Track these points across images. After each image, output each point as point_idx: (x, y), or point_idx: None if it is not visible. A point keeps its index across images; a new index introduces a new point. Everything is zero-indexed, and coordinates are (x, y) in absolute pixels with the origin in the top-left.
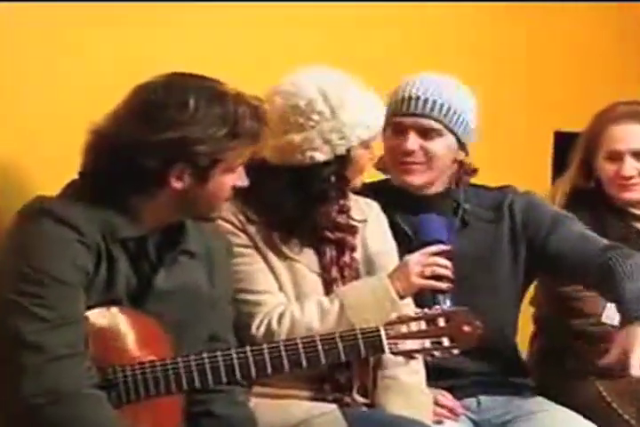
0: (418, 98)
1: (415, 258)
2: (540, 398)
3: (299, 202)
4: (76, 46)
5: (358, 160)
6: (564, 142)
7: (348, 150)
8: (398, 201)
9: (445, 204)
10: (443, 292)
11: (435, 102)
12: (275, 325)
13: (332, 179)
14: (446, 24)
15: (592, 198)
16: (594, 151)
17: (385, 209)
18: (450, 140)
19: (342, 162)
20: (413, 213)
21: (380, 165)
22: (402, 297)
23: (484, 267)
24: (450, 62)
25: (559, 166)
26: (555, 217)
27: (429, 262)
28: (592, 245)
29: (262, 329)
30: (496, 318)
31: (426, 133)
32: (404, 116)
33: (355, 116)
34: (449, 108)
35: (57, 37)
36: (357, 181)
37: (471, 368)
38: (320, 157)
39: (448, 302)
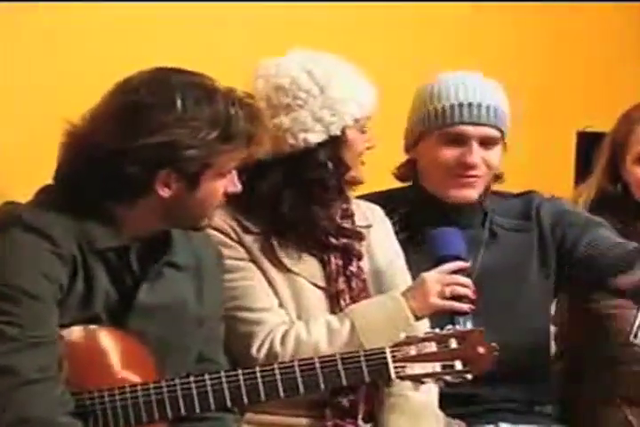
0: (480, 105)
1: (433, 276)
2: None
3: (297, 196)
4: (65, 44)
5: (353, 143)
6: (587, 143)
7: (343, 131)
8: (427, 212)
9: (476, 214)
10: (463, 313)
11: (493, 108)
12: (278, 346)
13: (330, 164)
14: (463, 23)
15: (619, 203)
16: (621, 153)
17: (411, 221)
18: (501, 146)
19: (337, 143)
20: (443, 225)
21: (404, 176)
22: (418, 319)
23: (514, 283)
24: (467, 62)
25: (583, 169)
26: (587, 221)
27: (449, 281)
28: (627, 246)
29: (264, 351)
30: (528, 339)
31: (487, 143)
32: (467, 125)
33: (345, 92)
34: (503, 113)
35: (43, 36)
36: (359, 173)
37: (492, 394)
38: (313, 137)
39: (469, 325)
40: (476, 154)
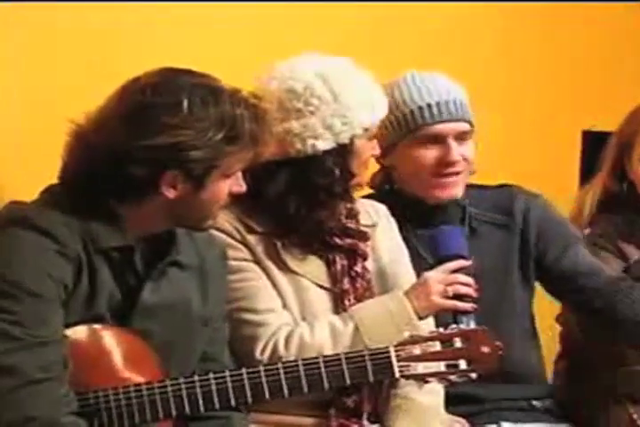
0: (447, 102)
1: (436, 276)
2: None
3: (302, 200)
4: (65, 44)
5: (362, 153)
6: (593, 143)
7: (351, 140)
8: (406, 213)
9: (455, 211)
10: (466, 312)
11: (459, 103)
12: (281, 348)
13: (336, 172)
14: (464, 24)
15: (624, 203)
16: (627, 153)
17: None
18: (472, 139)
19: (345, 152)
20: (424, 225)
21: (380, 184)
22: (421, 318)
23: (496, 279)
24: (469, 63)
25: (588, 168)
26: (569, 235)
27: (451, 280)
28: (601, 273)
29: (267, 353)
30: (515, 336)
31: (461, 138)
32: (442, 123)
33: (357, 101)
34: (467, 106)
35: (45, 36)
36: (363, 178)
37: (491, 393)
38: (321, 145)
39: (472, 324)
40: (456, 151)
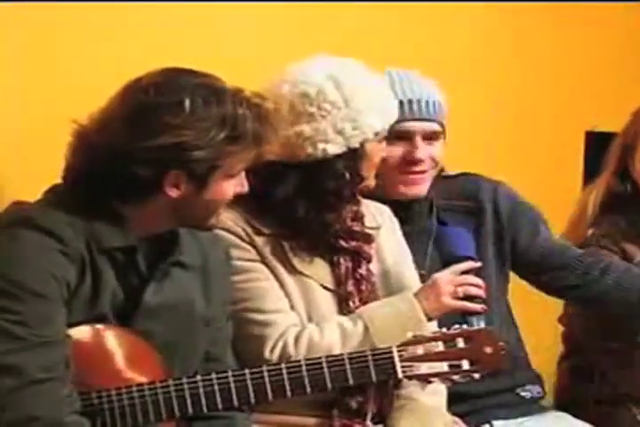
0: (419, 100)
1: (445, 277)
2: (554, 414)
3: (310, 204)
4: (65, 44)
5: (372, 156)
6: (596, 143)
7: (362, 144)
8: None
9: (424, 207)
10: (476, 313)
11: (434, 103)
12: (291, 348)
13: (346, 175)
14: (471, 23)
15: (628, 203)
16: (631, 153)
17: None
18: (443, 140)
19: (355, 156)
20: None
21: None
22: (430, 319)
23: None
24: (473, 62)
25: (591, 169)
26: (535, 221)
27: (461, 281)
28: (570, 251)
29: (277, 352)
30: (492, 322)
31: (430, 138)
32: (409, 122)
33: (368, 106)
34: (441, 107)
35: (45, 36)
36: (371, 181)
37: (479, 386)
38: (332, 149)
39: (482, 325)
40: (422, 149)
